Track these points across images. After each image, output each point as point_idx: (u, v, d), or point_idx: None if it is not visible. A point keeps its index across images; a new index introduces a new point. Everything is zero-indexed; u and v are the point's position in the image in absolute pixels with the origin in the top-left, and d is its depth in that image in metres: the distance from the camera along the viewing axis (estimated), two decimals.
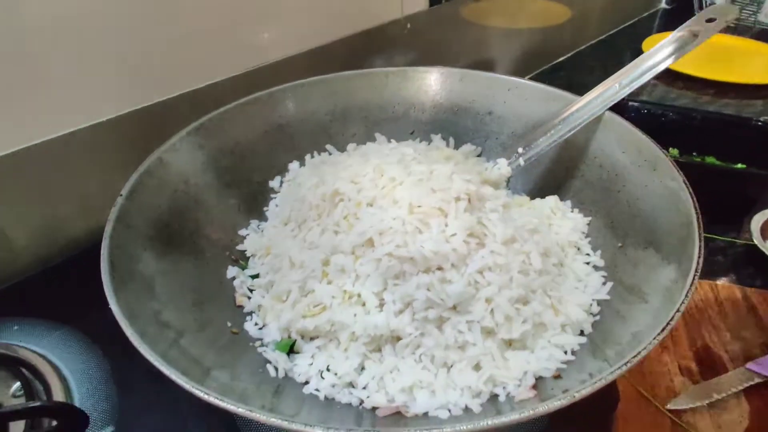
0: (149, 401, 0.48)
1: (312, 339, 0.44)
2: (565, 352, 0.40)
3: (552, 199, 0.55)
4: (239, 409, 0.29)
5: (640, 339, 0.33)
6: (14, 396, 0.47)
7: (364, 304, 0.42)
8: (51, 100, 0.57)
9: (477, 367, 0.40)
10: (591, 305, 0.44)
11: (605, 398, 0.49)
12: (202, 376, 0.35)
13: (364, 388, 0.40)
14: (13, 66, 0.53)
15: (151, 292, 0.40)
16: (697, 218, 0.39)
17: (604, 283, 0.46)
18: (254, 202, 0.58)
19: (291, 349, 0.44)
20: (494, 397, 0.39)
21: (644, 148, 0.48)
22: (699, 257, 0.36)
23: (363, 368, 0.41)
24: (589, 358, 0.39)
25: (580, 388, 0.30)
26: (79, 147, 0.60)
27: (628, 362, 0.30)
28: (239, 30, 0.69)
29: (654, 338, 0.31)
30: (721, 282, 0.64)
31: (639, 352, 0.30)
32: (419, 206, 0.44)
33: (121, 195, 0.43)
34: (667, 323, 0.32)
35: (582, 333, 0.43)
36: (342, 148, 0.63)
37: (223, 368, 0.38)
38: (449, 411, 0.38)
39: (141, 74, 0.62)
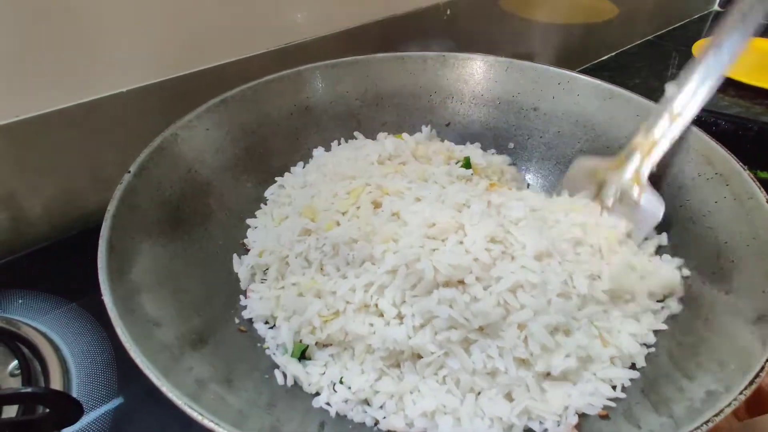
0: (151, 391, 0.46)
1: (325, 346, 0.40)
2: (614, 387, 0.36)
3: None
4: None
5: (714, 398, 0.28)
6: (11, 375, 0.45)
7: (381, 315, 0.38)
8: (72, 67, 0.54)
9: (509, 397, 0.35)
10: (646, 335, 0.39)
11: None
12: (197, 387, 0.31)
13: (381, 407, 0.36)
14: (35, 28, 0.50)
15: (152, 282, 0.37)
16: None
17: (661, 308, 0.41)
18: None
19: (302, 355, 0.40)
20: None
21: (716, 158, 0.43)
22: None
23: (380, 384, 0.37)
24: (644, 402, 0.34)
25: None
26: (99, 117, 0.58)
27: (701, 425, 0.25)
28: (272, 4, 0.65)
29: (733, 399, 0.26)
30: None
31: (714, 415, 0.25)
32: (433, 224, 0.39)
33: (128, 172, 0.40)
34: (752, 380, 0.26)
35: (633, 366, 0.38)
36: (371, 136, 0.59)
37: (224, 376, 0.34)
38: None
39: (169, 44, 0.59)
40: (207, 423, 0.28)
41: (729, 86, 1.08)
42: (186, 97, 0.54)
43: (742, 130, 0.81)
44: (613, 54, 1.28)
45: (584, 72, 1.24)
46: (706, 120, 0.82)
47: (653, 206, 0.45)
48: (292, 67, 0.57)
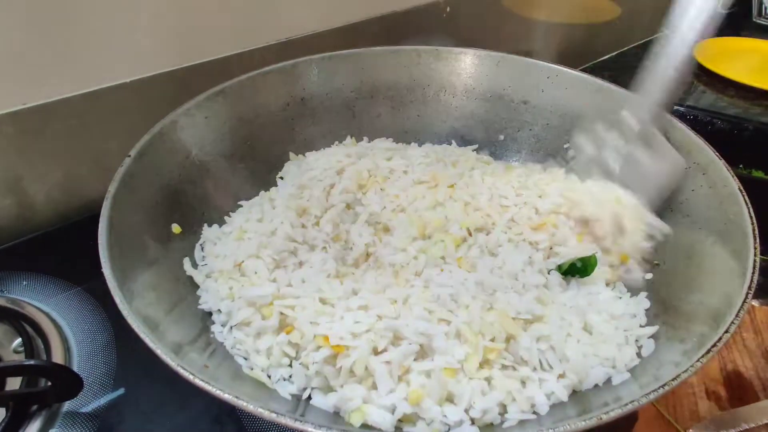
0: (149, 371, 0.47)
1: None
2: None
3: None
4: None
5: (676, 368, 0.30)
6: (15, 351, 0.47)
7: None
8: (77, 57, 0.56)
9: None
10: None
11: (622, 416, 0.46)
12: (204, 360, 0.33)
13: None
14: (42, 19, 0.52)
15: (150, 262, 0.38)
16: (753, 230, 0.35)
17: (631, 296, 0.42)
18: (269, 176, 0.56)
19: None
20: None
21: (695, 149, 0.44)
22: (753, 273, 0.32)
23: None
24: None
25: (606, 410, 0.27)
26: (102, 107, 0.59)
27: (663, 386, 0.26)
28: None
29: (696, 360, 0.27)
30: (759, 304, 0.59)
31: (677, 376, 0.27)
32: None
33: (129, 155, 0.42)
34: (713, 345, 0.28)
35: None
36: (367, 128, 0.60)
37: None
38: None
39: (172, 37, 0.61)
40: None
41: (729, 87, 1.09)
42: (187, 88, 0.55)
43: (738, 130, 0.82)
44: (614, 54, 1.28)
45: (585, 72, 1.24)
46: (701, 119, 0.83)
47: (667, 160, 0.43)
48: (293, 59, 0.59)
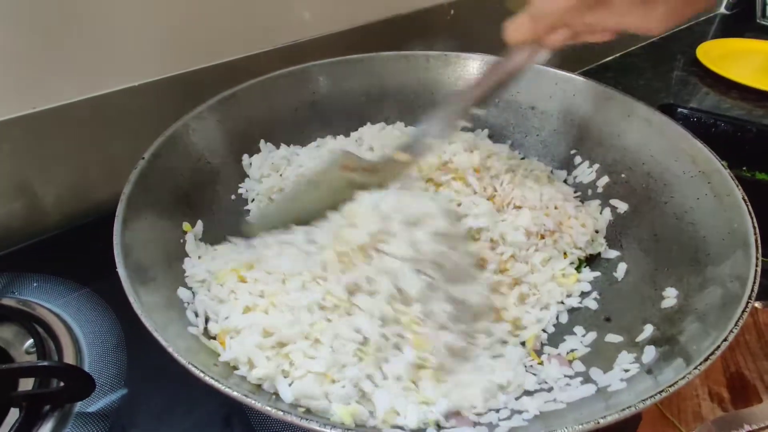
0: (158, 371, 0.48)
1: None
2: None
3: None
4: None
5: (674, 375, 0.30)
6: (27, 352, 0.48)
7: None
8: (87, 61, 0.56)
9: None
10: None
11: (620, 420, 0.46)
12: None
13: None
14: (51, 24, 0.52)
15: (162, 258, 0.39)
16: (756, 240, 0.36)
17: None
18: None
19: None
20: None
21: (700, 157, 0.45)
22: (754, 283, 0.33)
23: None
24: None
25: (605, 414, 0.27)
26: (111, 110, 0.59)
27: (662, 390, 0.27)
28: (280, 2, 0.67)
29: (694, 368, 0.28)
30: (762, 306, 0.60)
31: (676, 382, 0.28)
32: None
33: (143, 158, 0.42)
34: (712, 352, 0.29)
35: None
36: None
37: None
38: None
39: (180, 40, 0.61)
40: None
41: (732, 88, 1.09)
42: (196, 91, 0.56)
43: (741, 132, 0.82)
44: (618, 55, 1.28)
45: (588, 73, 1.23)
46: (705, 121, 0.83)
47: None
48: (299, 63, 0.59)
